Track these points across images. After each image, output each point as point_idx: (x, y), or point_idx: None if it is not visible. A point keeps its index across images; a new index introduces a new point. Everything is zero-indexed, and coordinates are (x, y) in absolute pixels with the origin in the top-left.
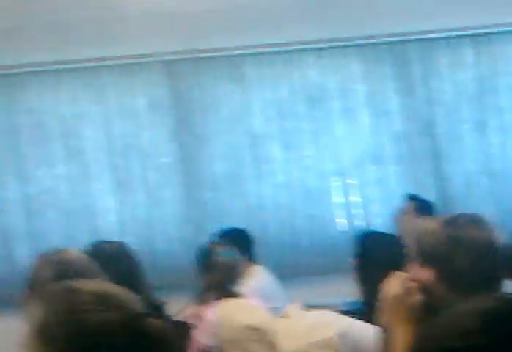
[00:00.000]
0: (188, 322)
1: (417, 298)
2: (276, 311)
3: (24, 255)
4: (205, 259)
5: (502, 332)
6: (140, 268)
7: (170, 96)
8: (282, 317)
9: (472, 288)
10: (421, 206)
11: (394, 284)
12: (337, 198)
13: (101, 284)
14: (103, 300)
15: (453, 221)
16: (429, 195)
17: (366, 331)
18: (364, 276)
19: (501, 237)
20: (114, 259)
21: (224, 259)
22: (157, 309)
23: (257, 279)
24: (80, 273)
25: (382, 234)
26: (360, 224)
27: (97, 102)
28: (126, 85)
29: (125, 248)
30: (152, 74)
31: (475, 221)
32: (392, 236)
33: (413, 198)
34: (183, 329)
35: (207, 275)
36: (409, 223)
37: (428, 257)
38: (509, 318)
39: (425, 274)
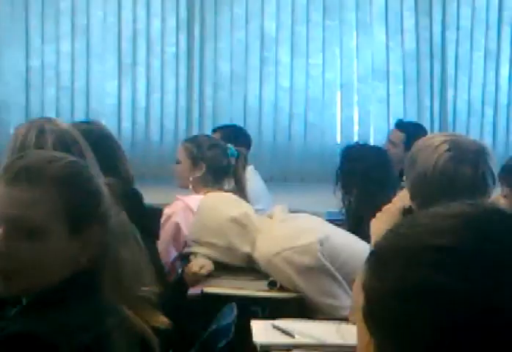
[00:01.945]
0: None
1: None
2: (261, 212)
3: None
4: (201, 153)
5: (477, 234)
6: (121, 153)
7: None
8: (267, 217)
9: None
10: (410, 134)
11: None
12: (338, 110)
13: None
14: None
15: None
16: (429, 118)
17: (347, 240)
18: (344, 187)
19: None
20: (95, 140)
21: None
22: (134, 195)
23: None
24: (71, 144)
25: (365, 146)
26: (357, 138)
27: None
28: None
29: (106, 132)
30: None
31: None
32: (375, 148)
33: (401, 125)
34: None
35: (200, 167)
36: (398, 152)
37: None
38: (486, 222)
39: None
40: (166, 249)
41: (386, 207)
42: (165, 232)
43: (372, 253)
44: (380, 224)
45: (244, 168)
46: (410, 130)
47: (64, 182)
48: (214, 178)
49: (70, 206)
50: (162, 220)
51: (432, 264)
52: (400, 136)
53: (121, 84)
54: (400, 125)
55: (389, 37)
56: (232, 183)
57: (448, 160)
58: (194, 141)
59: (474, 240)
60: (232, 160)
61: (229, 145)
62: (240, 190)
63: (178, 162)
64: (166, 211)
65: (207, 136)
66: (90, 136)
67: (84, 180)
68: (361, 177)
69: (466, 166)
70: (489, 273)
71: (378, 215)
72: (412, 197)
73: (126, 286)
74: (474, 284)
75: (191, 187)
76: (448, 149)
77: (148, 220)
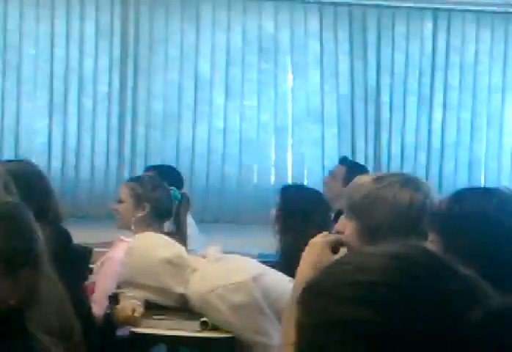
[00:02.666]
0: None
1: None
2: (193, 253)
3: None
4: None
5: (405, 273)
6: (52, 192)
7: (119, 25)
8: (200, 257)
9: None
10: (353, 170)
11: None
12: (272, 152)
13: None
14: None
15: (382, 179)
16: (364, 162)
17: (279, 279)
18: (282, 227)
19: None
20: (27, 179)
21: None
22: (63, 234)
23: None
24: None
25: (303, 187)
26: (290, 180)
27: (44, 21)
28: (77, 8)
29: (38, 170)
30: (106, 1)
31: (403, 181)
32: (313, 191)
33: (344, 161)
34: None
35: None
36: (338, 187)
37: (352, 210)
38: (415, 262)
39: (349, 227)
40: (105, 288)
41: (313, 241)
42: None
43: (303, 290)
44: (307, 257)
45: (186, 211)
46: (352, 167)
47: (1, 222)
48: (157, 219)
49: (6, 247)
50: (103, 260)
51: (353, 299)
52: (342, 170)
53: (52, 123)
54: (344, 160)
55: (324, 80)
56: (171, 225)
57: (421, 196)
58: (138, 180)
59: (395, 276)
60: (174, 203)
61: (172, 187)
62: (180, 233)
63: (120, 201)
64: (112, 254)
65: (151, 176)
66: (22, 174)
67: (22, 223)
68: (301, 218)
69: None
70: (404, 308)
71: (305, 249)
72: (372, 233)
73: (51, 325)
74: (391, 317)
75: (132, 227)
76: (415, 188)
77: (76, 258)
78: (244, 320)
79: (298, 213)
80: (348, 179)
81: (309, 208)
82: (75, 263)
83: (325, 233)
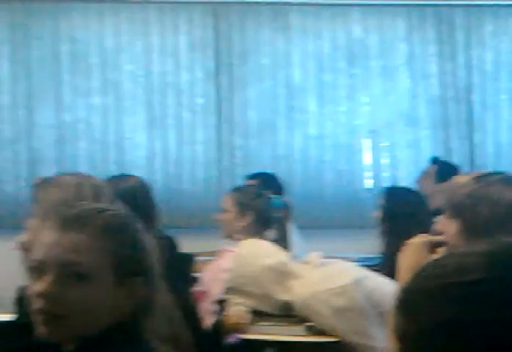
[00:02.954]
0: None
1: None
2: (295, 259)
3: None
4: (248, 202)
5: (503, 272)
6: (155, 207)
7: (212, 38)
8: (302, 263)
9: None
10: (444, 169)
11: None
12: (367, 156)
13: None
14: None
15: (484, 178)
16: (458, 162)
17: (381, 283)
18: (387, 229)
19: None
20: (130, 193)
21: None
22: (169, 241)
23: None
24: (97, 198)
25: (406, 189)
26: (386, 183)
27: (139, 37)
28: (170, 23)
29: (143, 184)
30: (197, 14)
31: (505, 179)
32: (416, 192)
33: (436, 161)
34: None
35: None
36: (430, 186)
37: (454, 210)
38: (508, 258)
39: (451, 227)
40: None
41: (410, 242)
42: (216, 279)
43: (400, 298)
44: (404, 256)
45: (289, 218)
46: (444, 166)
47: (113, 232)
48: (260, 227)
49: (118, 256)
50: (210, 270)
51: (458, 300)
52: (433, 169)
53: (152, 136)
54: (435, 160)
55: (414, 82)
56: (274, 233)
57: None
58: (240, 190)
59: (496, 275)
60: (276, 211)
61: (274, 195)
62: (283, 240)
63: (224, 211)
64: (218, 263)
65: (252, 185)
66: (128, 189)
67: (133, 232)
68: (405, 220)
69: None
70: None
71: (403, 249)
72: (477, 232)
73: (162, 332)
74: (499, 314)
75: (236, 236)
76: None
77: (181, 266)
78: (348, 323)
79: (403, 215)
80: (440, 178)
81: (413, 210)
82: (181, 270)
83: (423, 234)
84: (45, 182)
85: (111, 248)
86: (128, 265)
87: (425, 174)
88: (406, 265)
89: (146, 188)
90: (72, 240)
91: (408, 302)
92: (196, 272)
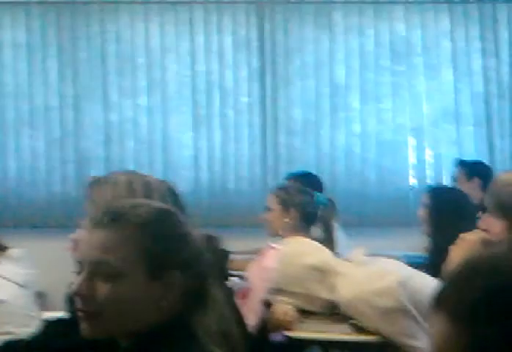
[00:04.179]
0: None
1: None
2: (339, 257)
3: None
4: (291, 199)
5: None
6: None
7: (257, 37)
8: (346, 261)
9: None
10: (471, 171)
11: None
12: (410, 153)
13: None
14: None
15: None
16: (502, 159)
17: (426, 282)
18: (433, 228)
19: None
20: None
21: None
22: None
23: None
24: (149, 195)
25: (451, 188)
26: (430, 181)
27: (184, 37)
28: (215, 22)
29: (170, 187)
30: (242, 13)
31: None
32: (459, 190)
33: (461, 164)
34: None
35: (292, 213)
36: (466, 187)
37: (500, 209)
38: None
39: (497, 225)
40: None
41: (465, 236)
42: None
43: (447, 283)
44: (459, 251)
45: (333, 216)
46: (471, 166)
47: (146, 227)
48: (304, 224)
49: (151, 251)
50: (255, 268)
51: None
52: (460, 172)
53: (197, 135)
54: (460, 162)
55: (457, 79)
56: (319, 231)
57: None
58: (283, 188)
59: None
60: (320, 208)
61: (317, 193)
62: (328, 237)
63: (269, 210)
64: (264, 262)
65: (295, 183)
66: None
67: (168, 226)
68: (452, 219)
69: None
70: None
71: (457, 242)
72: None
73: (212, 329)
74: None
75: (281, 233)
76: None
77: (221, 263)
78: (392, 323)
79: (450, 213)
80: (470, 178)
81: (459, 208)
82: (220, 267)
83: (477, 231)
84: (98, 181)
85: (143, 244)
86: (163, 258)
87: (456, 179)
88: (460, 259)
89: (173, 190)
90: (101, 239)
91: (453, 290)
92: (239, 270)
